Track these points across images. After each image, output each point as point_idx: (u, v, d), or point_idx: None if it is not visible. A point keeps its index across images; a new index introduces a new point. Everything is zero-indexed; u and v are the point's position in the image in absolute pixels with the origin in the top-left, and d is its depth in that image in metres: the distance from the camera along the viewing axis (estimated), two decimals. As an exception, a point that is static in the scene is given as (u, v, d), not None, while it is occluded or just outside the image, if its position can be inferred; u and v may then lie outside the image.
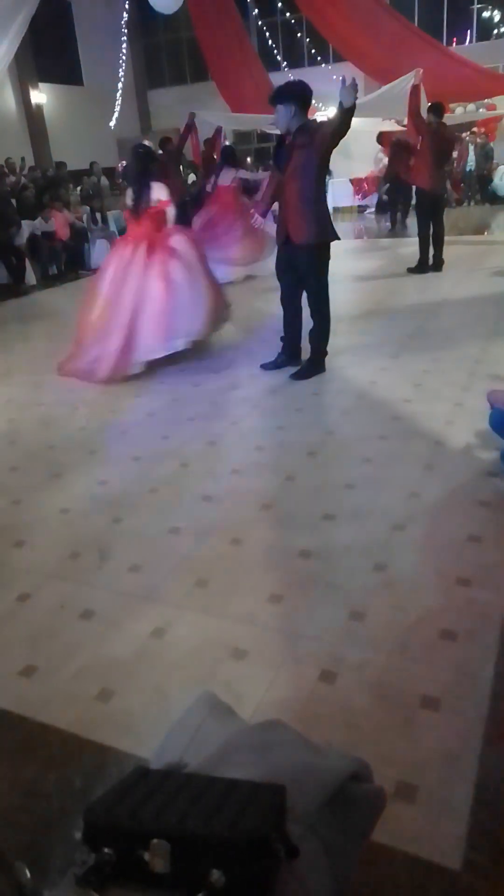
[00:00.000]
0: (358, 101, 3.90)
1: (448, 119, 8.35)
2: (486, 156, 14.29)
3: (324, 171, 4.24)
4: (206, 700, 0.99)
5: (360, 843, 0.81)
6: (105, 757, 1.71)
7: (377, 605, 2.17)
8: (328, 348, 4.56)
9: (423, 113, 7.43)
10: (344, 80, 3.82)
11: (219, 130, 10.23)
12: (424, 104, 7.58)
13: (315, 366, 4.52)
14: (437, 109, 7.40)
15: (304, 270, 4.37)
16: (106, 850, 0.62)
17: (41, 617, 2.29)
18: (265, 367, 4.68)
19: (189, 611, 2.25)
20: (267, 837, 0.61)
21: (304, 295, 4.51)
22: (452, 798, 1.51)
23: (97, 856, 0.62)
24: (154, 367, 5.03)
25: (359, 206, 14.77)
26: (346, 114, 3.85)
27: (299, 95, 4.05)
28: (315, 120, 4.09)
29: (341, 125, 3.93)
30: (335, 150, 4.20)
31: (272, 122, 4.46)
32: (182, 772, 0.78)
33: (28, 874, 1.48)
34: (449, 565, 2.34)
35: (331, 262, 4.35)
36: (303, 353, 4.62)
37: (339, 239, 4.33)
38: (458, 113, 13.40)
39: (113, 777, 1.64)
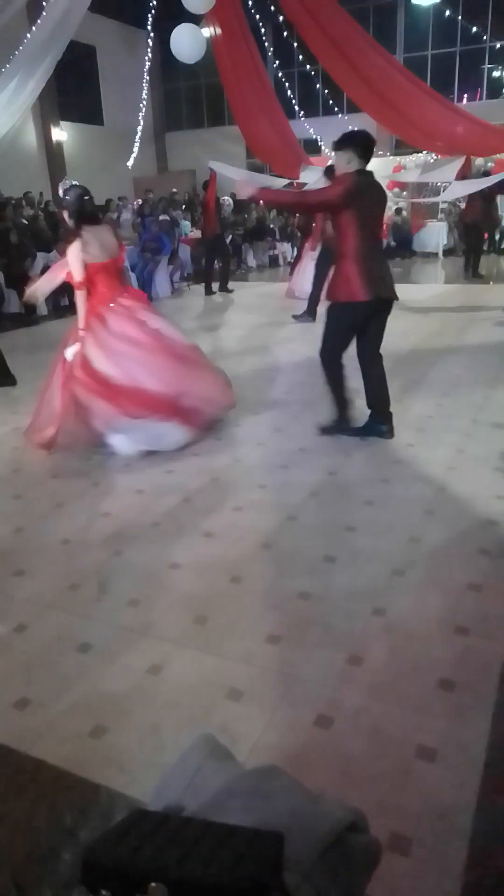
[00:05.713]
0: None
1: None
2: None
3: (347, 229, 3.68)
4: (205, 742, 0.99)
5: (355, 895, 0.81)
6: (96, 795, 1.69)
7: (375, 651, 2.16)
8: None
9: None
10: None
11: (213, 175, 10.37)
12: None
13: (336, 421, 4.14)
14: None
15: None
16: (103, 891, 0.62)
17: (38, 648, 2.29)
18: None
19: (186, 648, 2.24)
20: (265, 885, 0.61)
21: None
22: (446, 853, 1.49)
23: (94, 897, 0.62)
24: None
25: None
26: (266, 204, 4.03)
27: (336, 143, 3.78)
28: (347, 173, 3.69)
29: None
30: None
31: (285, 186, 4.53)
32: (181, 815, 0.78)
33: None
34: (448, 613, 2.34)
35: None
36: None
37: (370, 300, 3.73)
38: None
39: (104, 815, 1.62)
